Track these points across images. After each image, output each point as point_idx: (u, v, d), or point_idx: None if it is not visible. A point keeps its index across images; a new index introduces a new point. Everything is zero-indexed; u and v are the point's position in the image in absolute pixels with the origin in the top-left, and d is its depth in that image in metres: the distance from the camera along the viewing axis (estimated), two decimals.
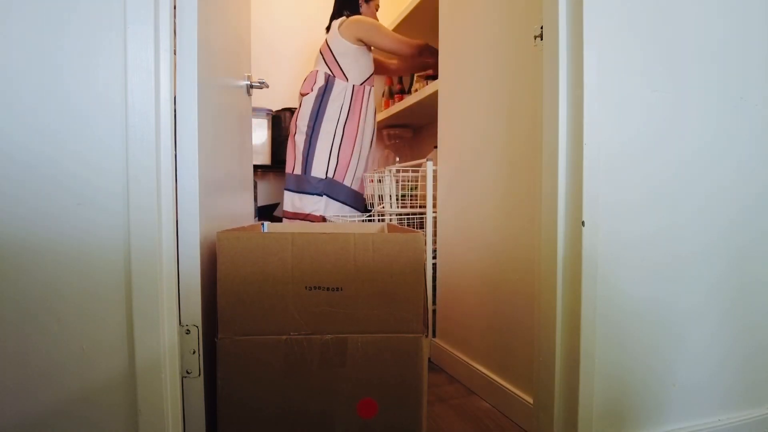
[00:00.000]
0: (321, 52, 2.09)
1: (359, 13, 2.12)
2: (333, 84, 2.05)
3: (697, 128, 1.06)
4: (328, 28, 2.17)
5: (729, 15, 1.07)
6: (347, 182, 2.07)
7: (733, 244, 1.10)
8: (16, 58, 0.79)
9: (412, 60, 2.21)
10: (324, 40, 2.12)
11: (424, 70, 2.30)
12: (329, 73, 2.06)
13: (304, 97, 2.05)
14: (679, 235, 1.05)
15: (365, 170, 2.13)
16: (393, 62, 2.38)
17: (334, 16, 2.14)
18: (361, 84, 2.09)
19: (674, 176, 1.04)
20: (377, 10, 2.22)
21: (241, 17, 1.41)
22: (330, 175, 2.02)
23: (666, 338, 1.05)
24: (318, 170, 2.01)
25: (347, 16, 2.07)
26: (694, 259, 1.06)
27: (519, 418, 1.22)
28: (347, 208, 2.06)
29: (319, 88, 2.04)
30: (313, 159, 2.01)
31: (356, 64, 2.06)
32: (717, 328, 1.09)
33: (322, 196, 2.00)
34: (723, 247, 1.09)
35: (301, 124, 2.03)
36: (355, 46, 2.05)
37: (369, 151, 2.15)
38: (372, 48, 2.12)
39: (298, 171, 2.05)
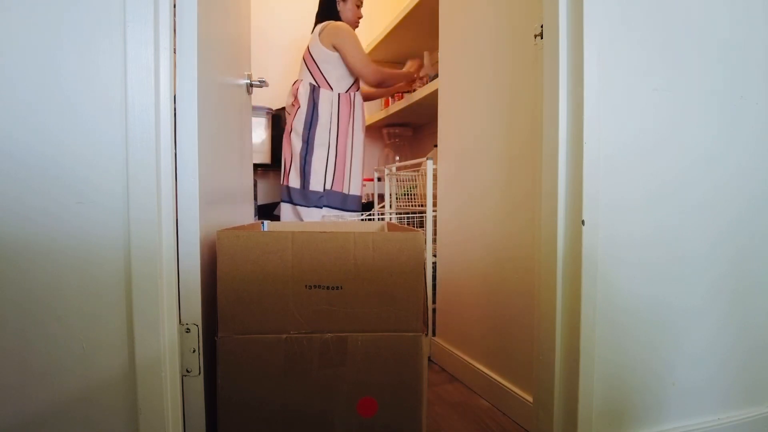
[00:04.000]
0: (304, 60, 2.08)
1: (340, 19, 2.09)
2: (319, 95, 2.03)
3: (698, 128, 1.06)
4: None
5: (731, 14, 1.07)
6: (345, 189, 2.05)
7: (734, 243, 1.10)
8: (15, 57, 0.79)
9: (377, 89, 2.23)
10: (306, 47, 2.10)
11: (394, 93, 2.34)
12: (314, 83, 2.04)
13: (298, 110, 2.03)
14: (679, 235, 1.05)
15: (361, 173, 2.12)
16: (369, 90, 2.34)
17: (317, 22, 2.13)
18: (347, 91, 2.08)
19: (675, 176, 1.04)
20: (359, 13, 2.16)
21: (241, 15, 1.41)
22: (328, 186, 2.01)
23: (666, 337, 1.05)
24: (316, 184, 2.00)
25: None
26: (694, 259, 1.06)
27: (519, 416, 1.22)
28: (347, 213, 2.05)
29: (308, 101, 2.03)
30: (311, 172, 1.99)
31: (338, 72, 2.05)
32: (717, 328, 1.09)
33: (322, 208, 2.00)
34: (723, 246, 1.09)
35: (297, 125, 2.02)
36: (335, 53, 2.03)
37: (362, 155, 2.13)
38: None
39: (295, 183, 2.02)
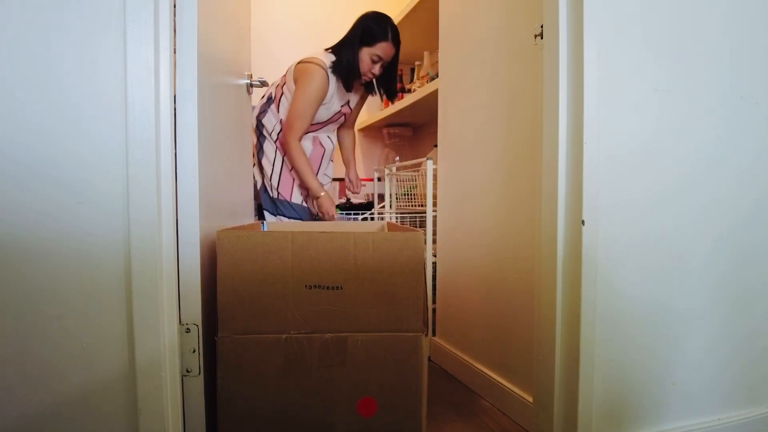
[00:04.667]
0: (278, 83, 1.93)
1: (356, 62, 1.82)
2: (267, 110, 1.90)
3: (700, 128, 1.05)
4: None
5: (732, 13, 1.07)
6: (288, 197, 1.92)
7: (736, 246, 1.09)
8: (14, 58, 0.79)
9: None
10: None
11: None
12: (273, 97, 1.90)
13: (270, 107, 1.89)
14: (680, 238, 1.05)
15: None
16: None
17: (327, 50, 1.90)
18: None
19: (676, 177, 1.04)
20: (374, 69, 1.84)
21: (241, 15, 1.41)
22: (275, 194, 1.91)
23: (666, 339, 1.05)
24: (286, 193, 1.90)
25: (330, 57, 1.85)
26: (695, 262, 1.06)
27: (518, 416, 1.22)
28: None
29: (262, 105, 1.92)
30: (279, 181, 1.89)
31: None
32: (718, 330, 1.09)
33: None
34: (725, 249, 1.08)
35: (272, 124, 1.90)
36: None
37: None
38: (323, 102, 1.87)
39: (273, 193, 1.90)
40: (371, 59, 1.82)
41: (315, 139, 1.99)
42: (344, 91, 1.90)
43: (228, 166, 1.21)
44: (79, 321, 0.82)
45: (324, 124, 1.96)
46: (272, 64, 2.65)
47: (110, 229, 0.82)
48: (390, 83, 1.97)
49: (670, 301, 1.05)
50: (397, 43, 1.84)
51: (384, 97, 2.03)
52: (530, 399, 1.16)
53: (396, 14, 2.26)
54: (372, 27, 1.81)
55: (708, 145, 1.06)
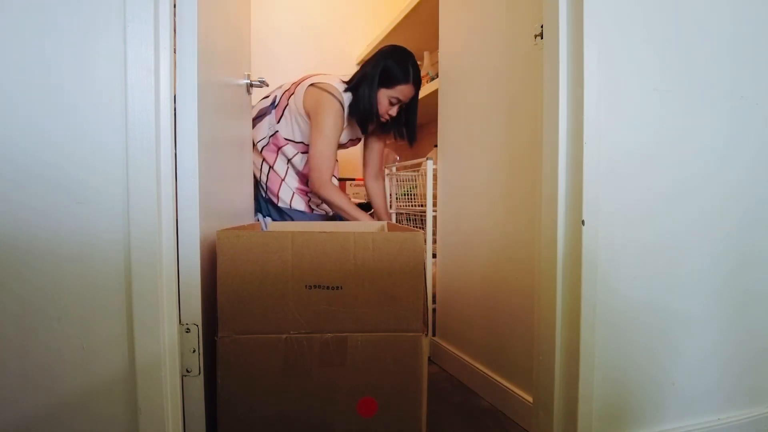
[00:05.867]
0: (286, 85, 1.82)
1: (373, 103, 1.70)
2: (265, 116, 1.79)
3: (701, 128, 1.05)
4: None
5: (733, 12, 1.07)
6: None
7: (737, 247, 1.09)
8: (12, 58, 0.79)
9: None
10: (303, 78, 1.79)
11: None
12: (276, 99, 1.79)
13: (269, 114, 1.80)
14: (681, 239, 1.05)
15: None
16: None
17: (344, 84, 1.75)
18: (288, 140, 1.76)
19: (677, 178, 1.04)
20: (391, 110, 1.72)
21: (241, 15, 1.41)
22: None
23: (666, 339, 1.05)
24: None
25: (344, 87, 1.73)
26: (696, 264, 1.06)
27: (519, 416, 1.22)
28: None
29: (262, 108, 1.81)
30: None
31: (295, 133, 1.76)
32: (719, 332, 1.09)
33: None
34: (726, 250, 1.08)
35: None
36: (305, 119, 1.74)
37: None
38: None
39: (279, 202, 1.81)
40: (389, 101, 1.72)
41: (306, 159, 1.84)
42: (356, 129, 1.82)
43: (228, 166, 1.21)
44: (79, 322, 0.82)
45: None
46: (272, 65, 2.66)
47: (110, 229, 0.82)
48: (410, 125, 1.85)
49: (670, 302, 1.05)
50: (417, 84, 1.74)
51: (405, 140, 1.88)
52: (530, 399, 1.16)
53: (396, 14, 2.26)
54: (392, 68, 1.69)
55: (708, 145, 1.06)
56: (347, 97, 1.72)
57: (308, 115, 1.72)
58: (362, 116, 1.73)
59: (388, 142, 2.87)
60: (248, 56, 1.53)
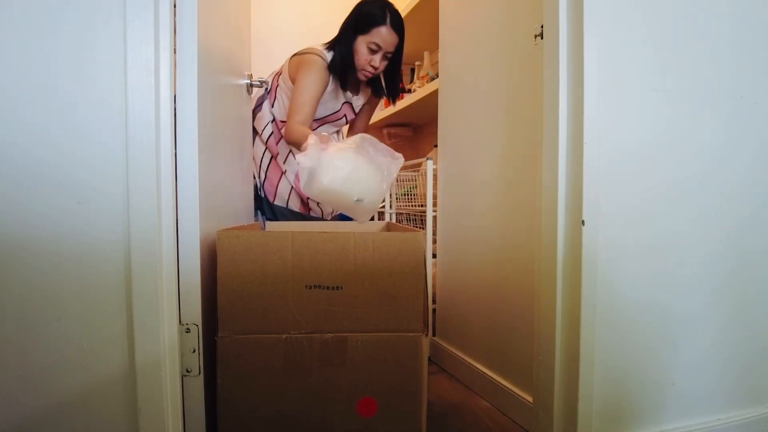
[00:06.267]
0: (277, 71, 1.76)
1: (351, 55, 1.59)
2: (263, 103, 1.73)
3: (701, 128, 1.05)
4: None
5: (733, 12, 1.07)
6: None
7: (738, 248, 1.09)
8: (11, 58, 0.78)
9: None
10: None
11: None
12: (269, 85, 1.72)
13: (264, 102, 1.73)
14: (682, 239, 1.05)
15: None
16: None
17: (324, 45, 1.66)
18: (283, 122, 1.68)
19: (677, 178, 1.04)
20: (373, 61, 1.58)
21: (241, 15, 1.41)
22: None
23: (666, 340, 1.05)
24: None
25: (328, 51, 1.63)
26: (696, 264, 1.06)
27: (519, 417, 1.22)
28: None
29: (259, 97, 1.74)
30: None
31: (287, 105, 1.67)
32: (718, 332, 1.09)
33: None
34: (727, 251, 1.08)
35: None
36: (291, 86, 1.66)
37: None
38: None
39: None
40: (369, 48, 1.57)
41: None
42: (342, 90, 1.71)
43: (228, 166, 1.21)
44: (79, 322, 0.82)
45: (320, 121, 1.76)
46: (272, 65, 2.65)
47: (110, 229, 0.82)
48: (392, 80, 1.72)
49: (670, 302, 1.05)
50: (399, 29, 1.58)
51: (389, 96, 1.78)
52: (530, 399, 1.16)
53: None
54: (367, 11, 1.57)
55: (708, 145, 1.06)
56: (330, 55, 1.62)
57: (294, 83, 1.65)
58: (342, 69, 1.60)
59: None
60: (248, 56, 1.53)
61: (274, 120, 1.72)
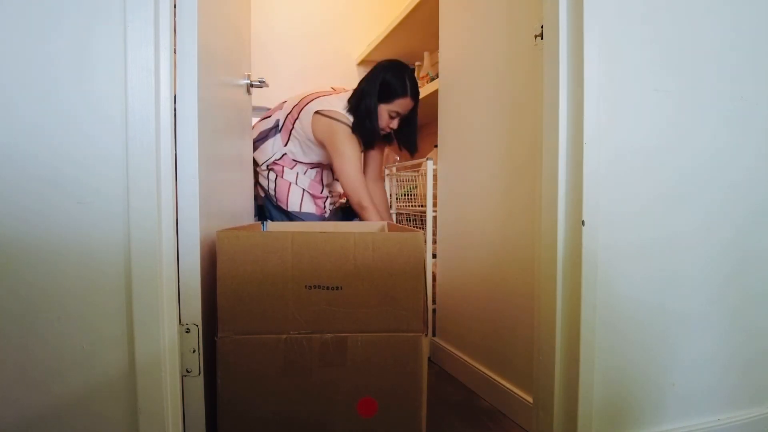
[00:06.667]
0: (287, 107, 1.86)
1: (373, 117, 1.75)
2: (267, 138, 1.84)
3: (701, 128, 1.05)
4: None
5: (734, 12, 1.07)
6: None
7: (738, 249, 1.09)
8: (10, 59, 0.78)
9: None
10: (304, 96, 1.84)
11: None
12: (279, 123, 1.85)
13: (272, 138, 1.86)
14: (682, 240, 1.04)
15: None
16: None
17: (348, 104, 1.79)
18: (299, 161, 1.85)
19: (677, 178, 1.04)
20: (392, 124, 1.79)
21: (241, 15, 1.41)
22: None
23: (666, 340, 1.05)
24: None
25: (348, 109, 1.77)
26: (698, 264, 1.06)
27: (519, 417, 1.22)
28: None
29: (263, 130, 1.85)
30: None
31: (305, 155, 1.85)
32: (719, 333, 1.09)
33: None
34: (728, 252, 1.08)
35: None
36: (318, 146, 1.82)
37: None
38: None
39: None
40: (389, 115, 1.77)
41: (317, 172, 1.92)
42: (361, 143, 1.86)
43: (228, 166, 1.21)
44: (79, 322, 0.82)
45: (326, 167, 1.92)
46: (272, 65, 2.66)
47: (110, 230, 0.82)
48: (410, 136, 1.90)
49: (670, 302, 1.04)
50: (416, 97, 1.78)
51: (406, 150, 1.94)
52: (530, 399, 1.16)
53: (396, 14, 2.26)
54: (390, 82, 1.74)
55: (709, 145, 1.06)
56: (350, 119, 1.78)
57: (321, 144, 1.80)
58: (365, 133, 1.78)
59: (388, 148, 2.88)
60: (248, 56, 1.53)
61: (282, 157, 1.85)
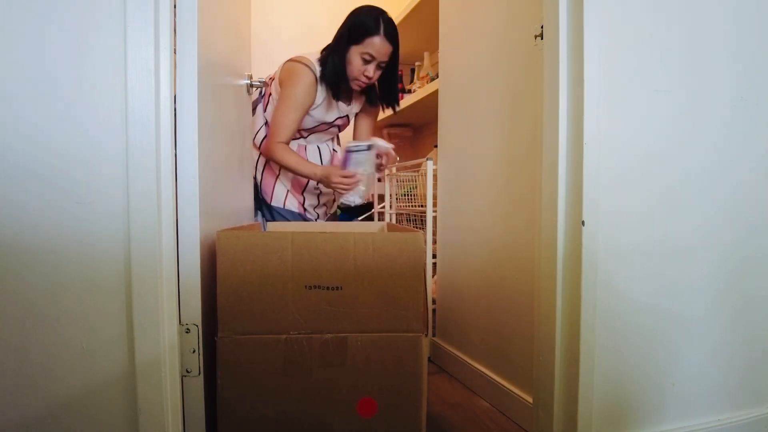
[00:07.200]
0: (272, 75, 1.73)
1: (344, 65, 1.57)
2: (257, 107, 1.71)
3: (701, 129, 1.05)
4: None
5: (735, 13, 1.07)
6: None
7: (740, 251, 1.09)
8: (10, 60, 0.78)
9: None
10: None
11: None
12: (263, 90, 1.71)
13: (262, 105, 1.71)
14: (682, 241, 1.04)
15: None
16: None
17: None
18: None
19: (678, 179, 1.04)
20: (366, 71, 1.56)
21: (241, 15, 1.41)
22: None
23: (666, 341, 1.05)
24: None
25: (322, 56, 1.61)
26: (698, 265, 1.06)
27: (518, 417, 1.22)
28: None
29: (254, 100, 1.70)
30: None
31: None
32: (719, 333, 1.09)
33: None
34: (728, 253, 1.08)
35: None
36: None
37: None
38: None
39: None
40: (362, 59, 1.54)
41: (300, 148, 1.74)
42: (335, 101, 1.66)
43: (228, 166, 1.21)
44: (79, 322, 0.82)
45: (310, 131, 1.72)
46: (272, 67, 2.65)
47: (110, 230, 0.82)
48: (389, 89, 1.69)
49: (670, 304, 1.04)
50: (392, 39, 1.55)
51: (389, 107, 1.74)
52: (530, 399, 1.16)
53: (396, 14, 2.26)
54: (361, 21, 1.53)
55: (710, 146, 1.06)
56: (321, 65, 1.59)
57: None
58: (334, 80, 1.58)
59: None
60: (248, 56, 1.53)
61: (266, 123, 1.70)
